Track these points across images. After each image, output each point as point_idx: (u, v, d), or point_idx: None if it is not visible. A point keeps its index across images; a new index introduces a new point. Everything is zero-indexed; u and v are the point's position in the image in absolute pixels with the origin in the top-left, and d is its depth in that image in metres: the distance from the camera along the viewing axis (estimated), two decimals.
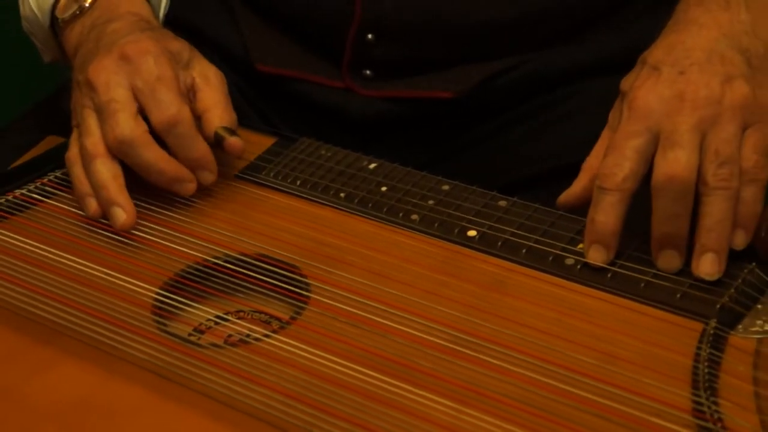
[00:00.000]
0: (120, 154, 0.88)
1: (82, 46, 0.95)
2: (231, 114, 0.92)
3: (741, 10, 0.85)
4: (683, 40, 0.84)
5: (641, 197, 0.81)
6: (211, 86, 0.92)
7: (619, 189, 0.81)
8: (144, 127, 0.88)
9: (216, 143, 0.91)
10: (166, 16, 1.05)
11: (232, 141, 0.91)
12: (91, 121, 0.89)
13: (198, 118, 0.92)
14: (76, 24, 0.98)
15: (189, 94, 0.92)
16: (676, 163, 0.79)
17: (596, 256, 0.82)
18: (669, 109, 0.81)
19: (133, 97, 0.88)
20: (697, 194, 0.80)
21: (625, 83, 0.85)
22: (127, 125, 0.87)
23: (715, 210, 0.79)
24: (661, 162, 0.80)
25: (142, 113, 0.89)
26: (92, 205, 0.88)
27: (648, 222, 0.81)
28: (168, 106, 0.88)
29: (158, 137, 0.89)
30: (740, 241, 0.81)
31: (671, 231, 0.80)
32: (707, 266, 0.79)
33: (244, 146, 0.92)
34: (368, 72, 1.04)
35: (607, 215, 0.81)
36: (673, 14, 0.88)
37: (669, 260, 0.81)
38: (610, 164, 0.81)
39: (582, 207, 0.86)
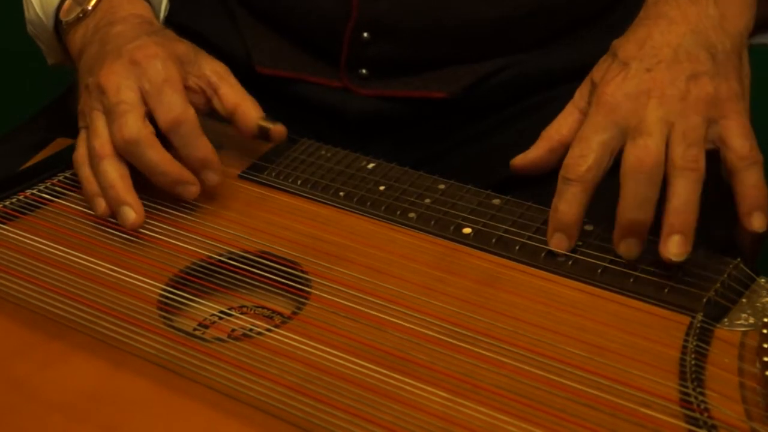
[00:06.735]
0: (126, 154, 0.89)
1: (86, 48, 0.96)
2: (258, 104, 0.94)
3: (709, 5, 0.86)
4: (652, 35, 0.85)
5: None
6: (228, 82, 0.93)
7: (582, 180, 0.82)
8: (151, 128, 0.89)
9: (261, 135, 0.93)
10: (166, 19, 1.05)
11: (278, 128, 0.93)
12: (100, 123, 0.90)
13: (229, 116, 0.93)
14: (79, 27, 0.98)
15: (207, 92, 0.93)
16: (645, 149, 0.80)
17: (558, 244, 0.84)
18: (636, 105, 0.82)
19: (141, 100, 0.89)
20: (663, 180, 0.80)
21: (596, 73, 0.86)
22: (135, 126, 0.88)
23: (683, 190, 0.79)
24: (631, 149, 0.81)
25: (150, 118, 0.89)
26: (101, 204, 0.89)
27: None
28: (173, 107, 0.89)
29: (165, 142, 0.90)
30: None
31: (638, 217, 0.80)
32: (674, 247, 0.79)
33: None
34: (364, 71, 1.04)
35: (569, 205, 0.83)
36: (644, 7, 0.89)
37: (630, 248, 0.81)
38: (575, 155, 0.82)
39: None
